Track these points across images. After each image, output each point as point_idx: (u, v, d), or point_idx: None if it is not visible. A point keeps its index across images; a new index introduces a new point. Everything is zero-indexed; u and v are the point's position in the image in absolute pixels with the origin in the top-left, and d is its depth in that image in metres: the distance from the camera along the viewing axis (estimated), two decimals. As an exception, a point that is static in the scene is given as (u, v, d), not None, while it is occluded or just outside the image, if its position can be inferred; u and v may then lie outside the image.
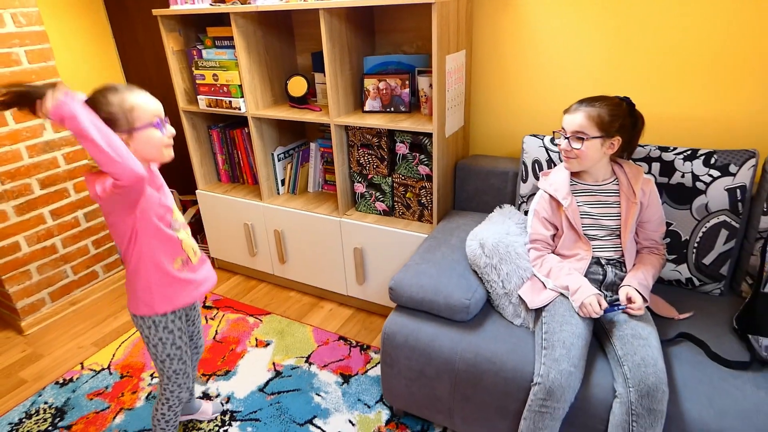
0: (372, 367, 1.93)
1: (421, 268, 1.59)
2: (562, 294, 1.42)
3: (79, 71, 2.80)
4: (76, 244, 2.43)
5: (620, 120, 1.39)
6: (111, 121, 1.13)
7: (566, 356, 1.24)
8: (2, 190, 2.11)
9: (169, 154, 1.25)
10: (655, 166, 1.52)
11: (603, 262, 1.46)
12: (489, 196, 1.94)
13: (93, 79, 2.88)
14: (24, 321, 2.28)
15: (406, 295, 1.53)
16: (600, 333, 1.39)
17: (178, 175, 3.09)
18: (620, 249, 1.46)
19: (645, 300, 1.34)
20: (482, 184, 1.95)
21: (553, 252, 1.54)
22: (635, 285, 1.35)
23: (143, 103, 1.17)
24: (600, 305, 1.32)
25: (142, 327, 1.34)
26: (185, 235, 1.34)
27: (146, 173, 1.12)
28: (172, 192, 2.80)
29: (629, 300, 1.33)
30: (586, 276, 1.44)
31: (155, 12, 2.15)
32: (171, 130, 1.24)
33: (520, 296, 1.47)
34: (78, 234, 2.42)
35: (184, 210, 2.86)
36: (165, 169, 3.22)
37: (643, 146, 1.54)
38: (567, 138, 1.42)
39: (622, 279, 1.43)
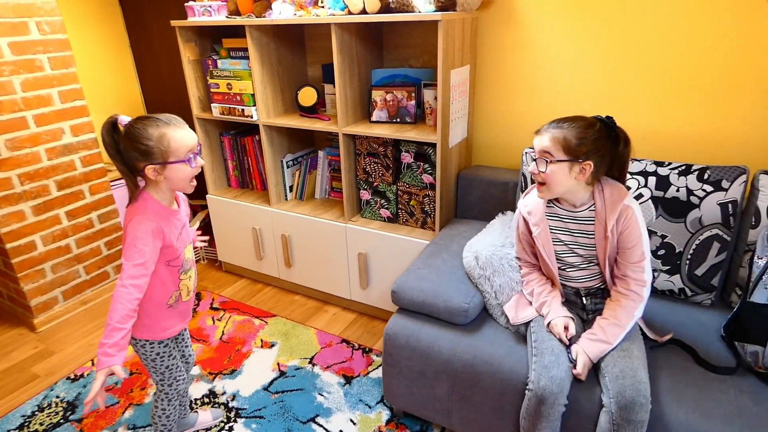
0: (373, 370, 1.99)
1: (422, 272, 1.65)
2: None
3: (98, 78, 2.90)
4: (90, 245, 2.51)
5: (590, 143, 1.29)
6: (146, 153, 1.21)
7: (555, 363, 1.29)
8: (21, 190, 2.19)
9: (192, 186, 1.31)
10: (651, 180, 1.58)
11: (583, 292, 1.45)
12: (490, 205, 2.01)
13: (110, 85, 2.99)
14: (37, 318, 2.35)
15: (407, 298, 1.60)
16: None
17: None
18: (600, 277, 1.43)
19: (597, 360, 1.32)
20: (483, 194, 2.02)
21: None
22: (583, 345, 1.31)
23: (180, 139, 1.23)
24: (567, 328, 1.35)
25: (135, 345, 1.42)
26: (189, 275, 1.41)
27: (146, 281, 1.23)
28: (190, 207, 2.90)
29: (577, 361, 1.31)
30: (565, 305, 1.45)
31: (173, 23, 2.25)
32: (200, 162, 1.29)
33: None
34: (91, 235, 2.51)
35: (193, 214, 2.94)
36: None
37: (639, 161, 1.60)
38: (535, 160, 1.36)
39: (598, 309, 1.42)
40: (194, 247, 1.52)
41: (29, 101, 2.16)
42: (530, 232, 1.48)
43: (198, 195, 2.98)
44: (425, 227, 2.11)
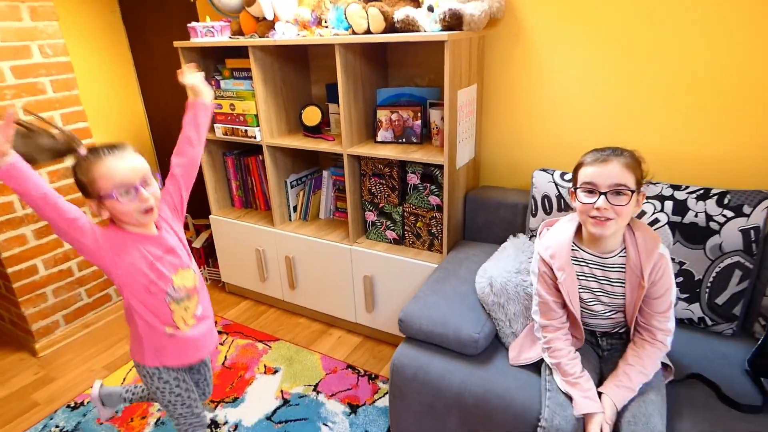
0: (380, 398, 1.93)
1: (430, 300, 1.60)
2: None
3: (101, 99, 2.89)
4: (91, 268, 2.47)
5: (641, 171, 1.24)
6: (82, 188, 1.17)
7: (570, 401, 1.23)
8: (23, 214, 2.17)
9: (147, 219, 1.20)
10: (668, 205, 1.52)
11: (598, 333, 1.41)
12: (499, 228, 1.96)
13: (114, 106, 2.97)
14: (38, 343, 2.31)
15: (415, 327, 1.54)
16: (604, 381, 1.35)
17: (193, 198, 3.14)
18: (622, 323, 1.36)
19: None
20: (492, 216, 1.96)
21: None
22: (611, 394, 1.21)
23: (106, 172, 1.13)
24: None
25: (139, 373, 1.37)
26: (184, 306, 1.30)
27: (77, 218, 1.13)
28: (188, 220, 2.87)
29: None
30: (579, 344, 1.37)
31: (176, 44, 2.23)
32: (143, 196, 1.15)
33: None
34: (93, 257, 2.47)
35: (197, 233, 2.91)
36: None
37: (654, 184, 1.55)
38: (603, 194, 1.19)
39: (615, 348, 1.37)
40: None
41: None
42: (555, 278, 1.34)
43: (201, 215, 2.94)
44: (432, 249, 2.06)
